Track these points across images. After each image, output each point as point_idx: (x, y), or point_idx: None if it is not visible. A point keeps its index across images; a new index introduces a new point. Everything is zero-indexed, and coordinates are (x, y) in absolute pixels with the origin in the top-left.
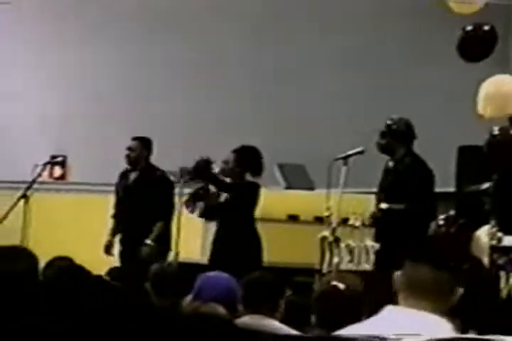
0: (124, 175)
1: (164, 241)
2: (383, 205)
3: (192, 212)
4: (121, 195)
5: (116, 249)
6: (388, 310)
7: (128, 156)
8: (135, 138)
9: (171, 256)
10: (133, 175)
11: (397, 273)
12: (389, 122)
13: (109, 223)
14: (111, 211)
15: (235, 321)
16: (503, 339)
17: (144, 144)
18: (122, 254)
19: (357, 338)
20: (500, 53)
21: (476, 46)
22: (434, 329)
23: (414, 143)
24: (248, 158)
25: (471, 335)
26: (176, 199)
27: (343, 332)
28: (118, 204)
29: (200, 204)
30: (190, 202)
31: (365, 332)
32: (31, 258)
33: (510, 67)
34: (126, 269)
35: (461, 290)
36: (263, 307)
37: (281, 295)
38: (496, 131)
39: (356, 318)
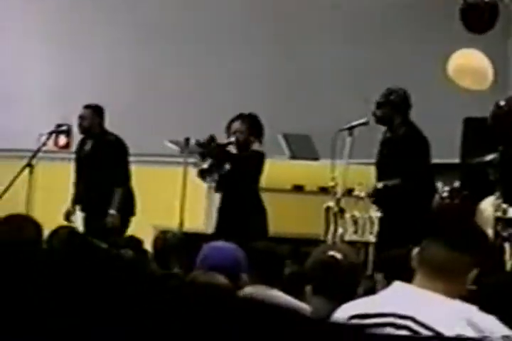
0: (81, 143)
1: (126, 208)
2: (379, 185)
3: (205, 180)
4: (79, 163)
5: (79, 216)
6: (394, 287)
7: (80, 125)
8: (86, 106)
9: (133, 222)
10: (89, 143)
11: (414, 251)
12: (385, 92)
13: (70, 190)
14: None
15: (237, 290)
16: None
17: (95, 112)
18: (86, 222)
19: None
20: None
21: (478, 16)
22: (440, 311)
23: (412, 114)
24: (257, 126)
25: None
26: (181, 168)
27: (346, 306)
28: (77, 172)
29: (215, 176)
30: (207, 174)
31: (366, 309)
32: (36, 226)
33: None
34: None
35: (475, 272)
36: (267, 277)
37: (284, 266)
38: (501, 102)
39: (352, 289)
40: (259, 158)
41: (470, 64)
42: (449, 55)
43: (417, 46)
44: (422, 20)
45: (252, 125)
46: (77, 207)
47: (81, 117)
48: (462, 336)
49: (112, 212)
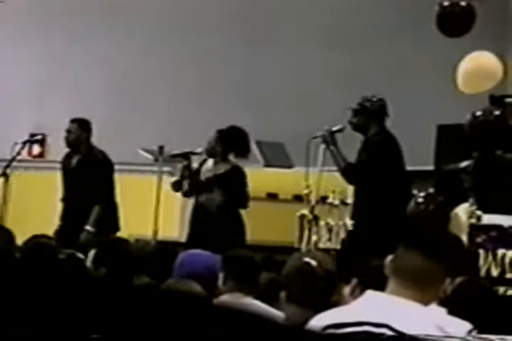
0: (67, 157)
1: (106, 225)
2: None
3: (177, 191)
4: (64, 178)
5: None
6: (368, 296)
7: (67, 138)
8: (73, 121)
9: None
10: (75, 159)
11: (388, 258)
12: (361, 100)
13: (59, 207)
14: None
15: (212, 299)
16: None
17: (82, 126)
18: (60, 239)
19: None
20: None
21: (454, 22)
22: (413, 318)
23: (387, 121)
24: (231, 138)
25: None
26: (155, 176)
27: (321, 316)
28: (64, 187)
29: (185, 184)
30: (177, 182)
31: (341, 318)
32: (7, 234)
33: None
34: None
35: (449, 281)
36: (241, 285)
37: (259, 273)
38: (478, 112)
39: (326, 296)
40: (239, 174)
41: (482, 67)
42: (425, 62)
43: (392, 55)
44: (399, 30)
45: (223, 137)
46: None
47: (68, 131)
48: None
49: (87, 227)
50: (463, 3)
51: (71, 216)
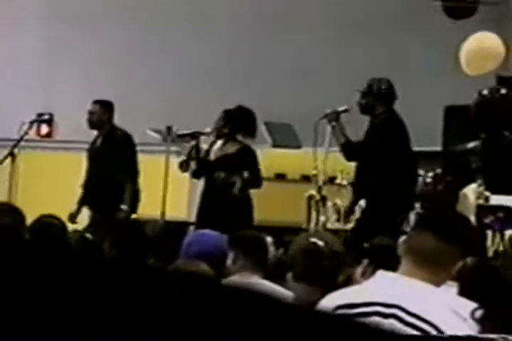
0: (93, 142)
1: (133, 204)
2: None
3: (185, 171)
4: (89, 161)
5: (86, 217)
6: (379, 277)
7: (89, 120)
8: (96, 102)
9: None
10: (99, 141)
11: (401, 239)
12: (369, 82)
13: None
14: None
15: (221, 278)
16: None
17: (104, 107)
18: (93, 219)
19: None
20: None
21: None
22: (424, 299)
23: (394, 103)
24: (239, 118)
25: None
26: (163, 157)
27: (332, 296)
28: (88, 171)
29: (192, 164)
30: (184, 162)
31: (351, 299)
32: (17, 214)
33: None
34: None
35: (461, 263)
36: (250, 265)
37: (267, 253)
38: (484, 91)
39: (333, 276)
40: (249, 153)
41: (485, 47)
42: (431, 44)
43: (401, 35)
44: (405, 13)
45: (230, 117)
46: (83, 208)
47: (90, 112)
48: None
49: (124, 207)
50: None
51: (96, 196)
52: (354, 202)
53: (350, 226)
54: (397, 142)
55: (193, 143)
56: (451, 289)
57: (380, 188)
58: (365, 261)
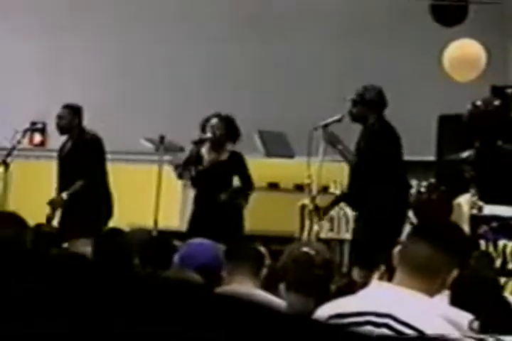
0: (62, 146)
1: (108, 208)
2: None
3: (180, 176)
4: (60, 165)
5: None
6: (373, 286)
7: (58, 124)
8: (64, 106)
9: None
10: (68, 145)
11: (396, 248)
12: (360, 91)
13: (50, 194)
14: None
15: (216, 288)
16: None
17: (73, 112)
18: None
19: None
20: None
21: (448, 12)
22: (417, 309)
23: (388, 112)
24: (234, 128)
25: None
26: (156, 166)
27: (325, 306)
28: (59, 175)
29: (191, 169)
30: (180, 166)
31: (345, 308)
32: (20, 224)
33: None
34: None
35: (456, 273)
36: (245, 275)
37: (263, 263)
38: (478, 102)
39: (325, 285)
40: (240, 159)
41: (467, 55)
42: (426, 52)
43: (394, 43)
44: (398, 20)
45: (228, 125)
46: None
47: (59, 117)
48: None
49: (63, 194)
50: None
51: (68, 202)
52: (333, 203)
53: (343, 235)
54: (391, 152)
55: (192, 149)
56: (444, 298)
57: (374, 199)
58: (382, 268)
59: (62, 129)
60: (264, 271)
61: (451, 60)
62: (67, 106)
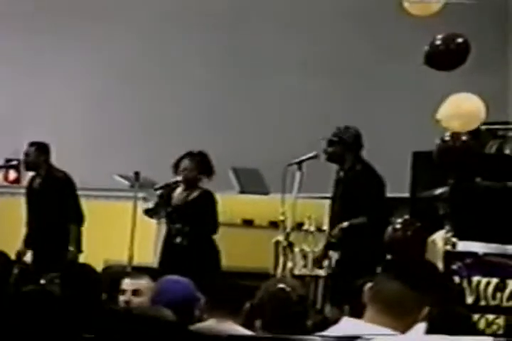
0: (30, 182)
1: (78, 245)
2: (344, 224)
3: (151, 217)
4: (29, 201)
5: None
6: (344, 323)
7: (25, 162)
8: (31, 144)
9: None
10: (37, 181)
11: (367, 286)
12: (337, 131)
13: (23, 231)
14: None
15: (189, 325)
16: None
17: (39, 149)
18: (36, 260)
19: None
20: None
21: (447, 59)
22: None
23: (362, 152)
24: (206, 164)
25: None
26: (131, 202)
27: None
28: (28, 212)
29: (162, 214)
30: (153, 212)
31: None
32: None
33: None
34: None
35: (427, 310)
36: (225, 313)
37: (240, 300)
38: (446, 136)
39: (301, 322)
40: (210, 199)
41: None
42: (401, 87)
43: (368, 80)
44: (374, 57)
45: (200, 163)
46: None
47: (26, 154)
48: None
49: (71, 248)
50: (459, 40)
51: (38, 239)
52: (327, 247)
53: (317, 272)
54: (377, 193)
55: (163, 191)
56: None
57: (360, 240)
58: (346, 307)
59: (28, 166)
60: (246, 307)
61: (446, 117)
62: (33, 144)
